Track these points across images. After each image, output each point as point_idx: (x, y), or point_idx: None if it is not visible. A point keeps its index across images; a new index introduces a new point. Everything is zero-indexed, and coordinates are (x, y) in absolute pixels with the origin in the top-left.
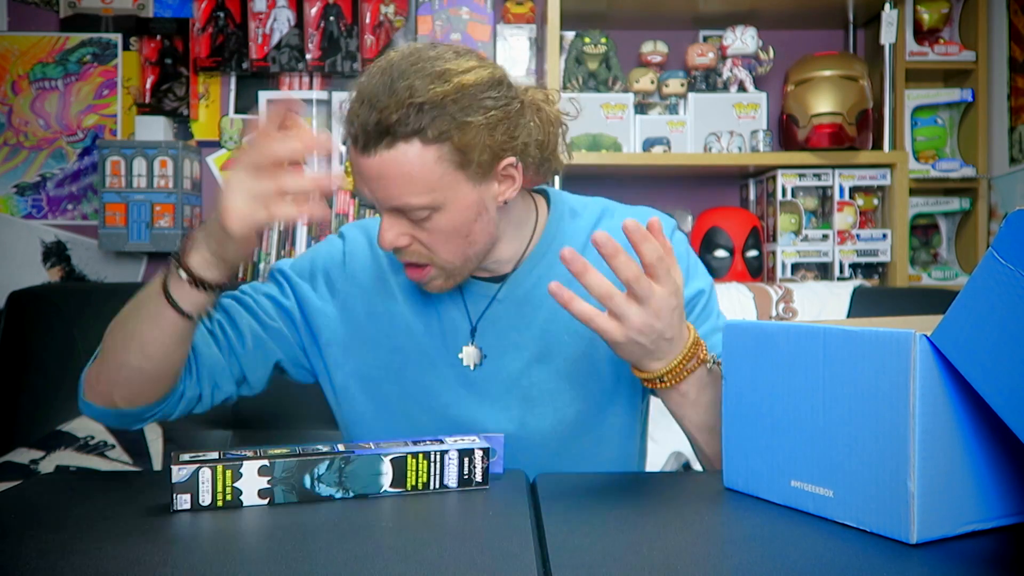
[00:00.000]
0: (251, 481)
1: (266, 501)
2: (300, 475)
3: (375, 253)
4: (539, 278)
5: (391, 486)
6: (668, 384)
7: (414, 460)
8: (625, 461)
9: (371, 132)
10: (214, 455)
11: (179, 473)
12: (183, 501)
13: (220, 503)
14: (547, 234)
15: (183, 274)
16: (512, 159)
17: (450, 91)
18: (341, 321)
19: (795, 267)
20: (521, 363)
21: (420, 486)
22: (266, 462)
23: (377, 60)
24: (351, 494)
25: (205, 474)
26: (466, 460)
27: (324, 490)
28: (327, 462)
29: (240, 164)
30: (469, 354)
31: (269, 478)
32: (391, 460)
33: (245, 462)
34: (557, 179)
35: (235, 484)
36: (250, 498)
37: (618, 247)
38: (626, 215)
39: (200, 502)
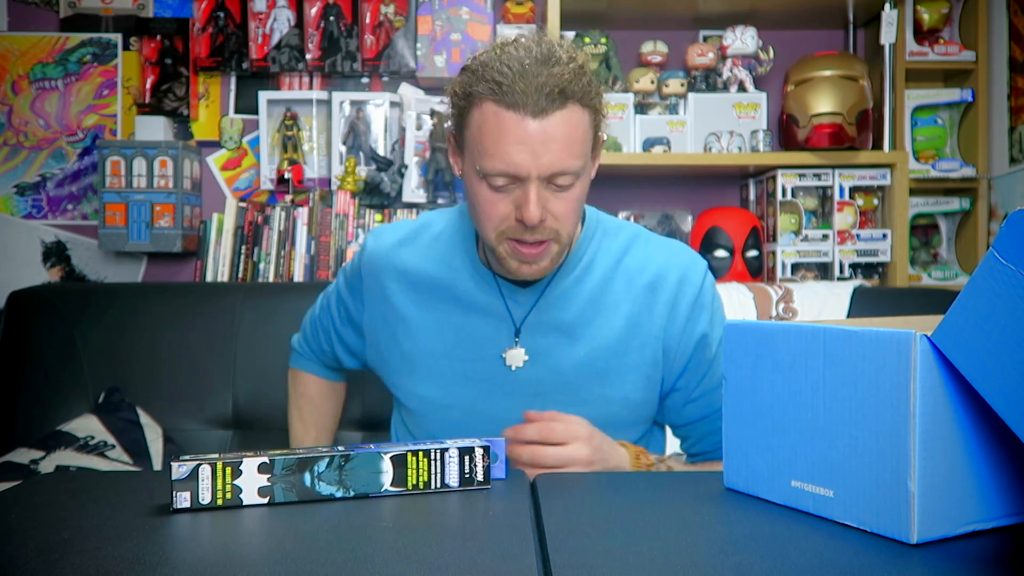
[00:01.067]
0: (251, 479)
1: (266, 500)
2: (300, 473)
3: (410, 271)
4: (567, 288)
5: (392, 485)
6: None
7: (414, 458)
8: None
9: (547, 93)
10: (215, 455)
11: (179, 470)
12: (183, 499)
13: (220, 501)
14: (579, 249)
15: None
16: (602, 134)
17: (582, 57)
18: (370, 324)
19: (795, 267)
20: (546, 367)
21: (421, 485)
22: (266, 459)
23: (489, 48)
24: (351, 493)
25: (205, 471)
26: (467, 459)
27: (324, 488)
28: (327, 460)
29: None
30: (513, 356)
31: (269, 476)
32: (391, 458)
33: (245, 459)
34: None
35: (235, 482)
36: (250, 496)
37: (516, 426)
38: (657, 247)
39: (200, 500)
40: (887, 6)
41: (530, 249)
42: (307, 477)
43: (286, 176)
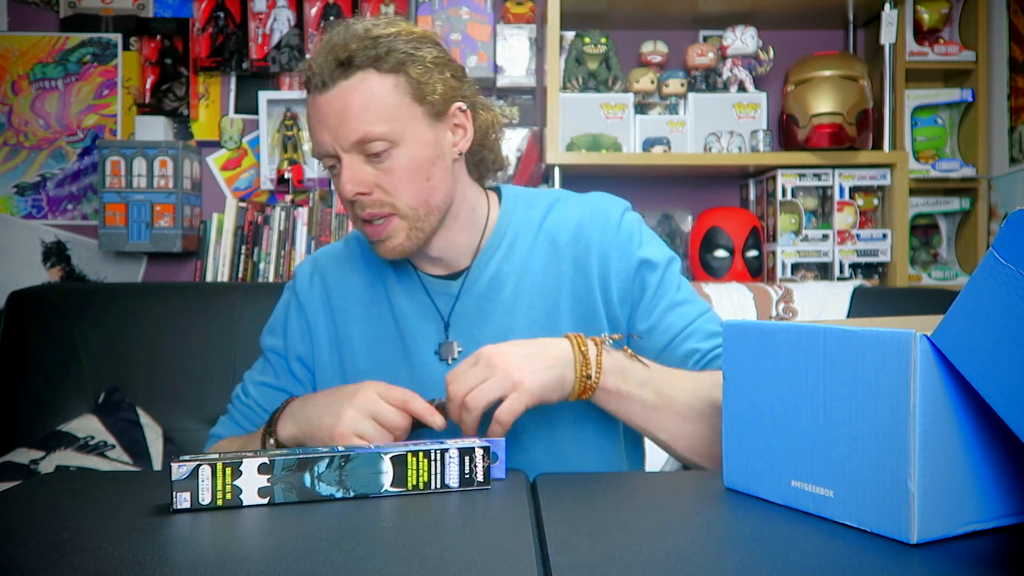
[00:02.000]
0: (251, 479)
1: (266, 500)
2: (300, 473)
3: (330, 281)
4: (495, 271)
5: (392, 485)
6: (596, 380)
7: (414, 459)
8: (608, 446)
9: (329, 68)
10: (215, 455)
11: (179, 471)
12: (183, 500)
13: (220, 502)
14: (499, 226)
15: (272, 442)
16: (462, 104)
17: (401, 31)
18: (316, 358)
19: (795, 267)
20: None
21: (421, 485)
22: (266, 460)
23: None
24: (351, 494)
25: (205, 472)
26: (467, 459)
27: (324, 489)
28: (327, 460)
29: (369, 410)
30: (447, 350)
31: (269, 476)
32: (391, 459)
33: (245, 460)
34: (557, 178)
35: (235, 482)
36: (250, 497)
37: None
38: (578, 203)
39: (200, 500)
40: (887, 6)
41: (371, 226)
42: (307, 477)
43: (286, 176)
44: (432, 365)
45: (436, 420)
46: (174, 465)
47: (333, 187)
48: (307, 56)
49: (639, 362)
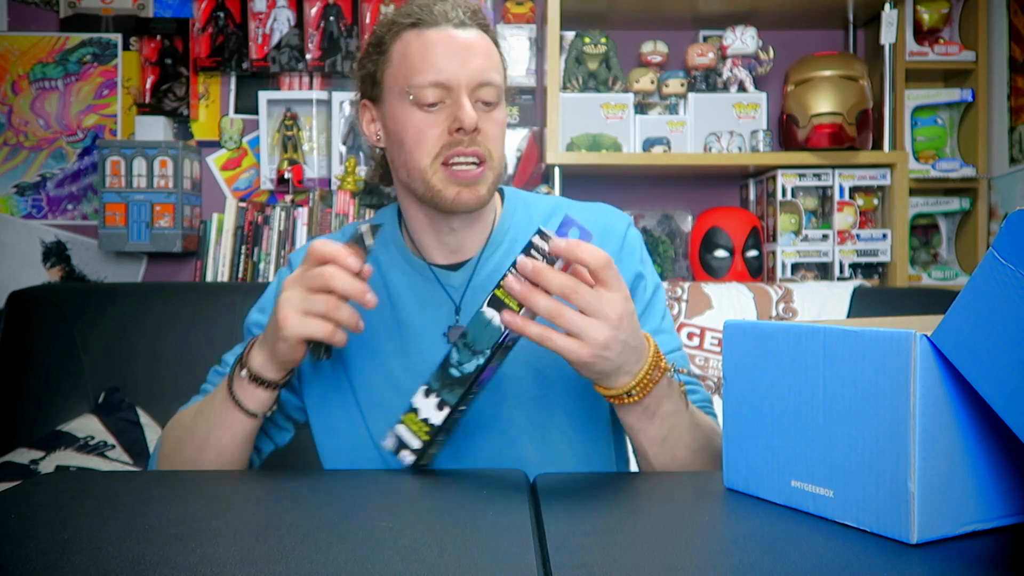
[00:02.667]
0: (427, 407)
1: (447, 411)
2: (447, 371)
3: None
4: (495, 266)
5: (504, 325)
6: (637, 398)
7: (502, 291)
8: (600, 447)
9: (464, 11)
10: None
11: (389, 443)
12: (406, 457)
13: (426, 437)
14: (503, 223)
15: (244, 373)
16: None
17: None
18: None
19: (795, 267)
20: None
21: (517, 307)
22: (424, 386)
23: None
24: (488, 352)
25: (402, 429)
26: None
27: (470, 366)
28: (454, 349)
29: (299, 283)
30: (456, 332)
31: (434, 394)
32: (489, 305)
33: (414, 399)
34: (558, 178)
35: (421, 418)
36: (437, 417)
37: (538, 265)
38: (582, 210)
39: (412, 446)
40: (887, 6)
41: (466, 169)
42: (453, 371)
43: (286, 176)
44: (437, 351)
45: (369, 300)
46: (386, 442)
47: (409, 127)
48: (389, 12)
49: (683, 399)
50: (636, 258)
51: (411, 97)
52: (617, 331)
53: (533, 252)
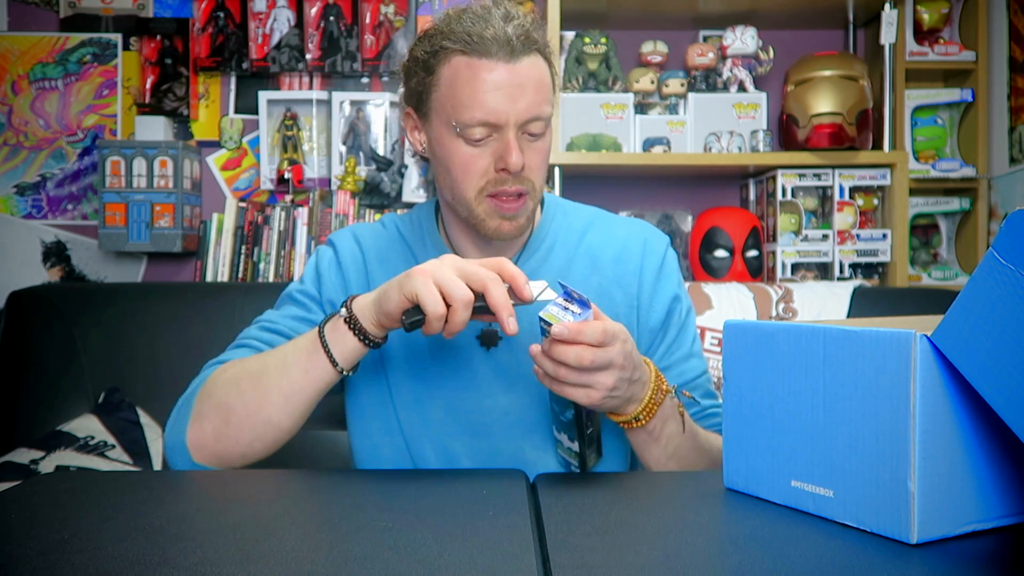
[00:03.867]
0: (564, 440)
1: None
2: (559, 420)
3: (369, 255)
4: (532, 270)
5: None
6: (643, 422)
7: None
8: (620, 452)
9: (517, 40)
10: None
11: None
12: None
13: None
14: (541, 229)
15: (343, 311)
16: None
17: (538, 20)
18: None
19: (795, 267)
20: (522, 350)
21: None
22: (554, 427)
23: (443, 15)
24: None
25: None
26: None
27: (570, 412)
28: (552, 402)
29: (456, 264)
30: (488, 336)
31: (563, 433)
32: None
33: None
34: (557, 178)
35: (567, 448)
36: (573, 445)
37: (554, 345)
38: (621, 225)
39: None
40: (887, 6)
41: (511, 203)
42: (563, 418)
43: (286, 176)
44: (469, 351)
45: (510, 325)
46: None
47: (453, 158)
48: (440, 25)
49: (682, 420)
50: (675, 281)
51: (458, 130)
52: (621, 373)
53: (543, 324)
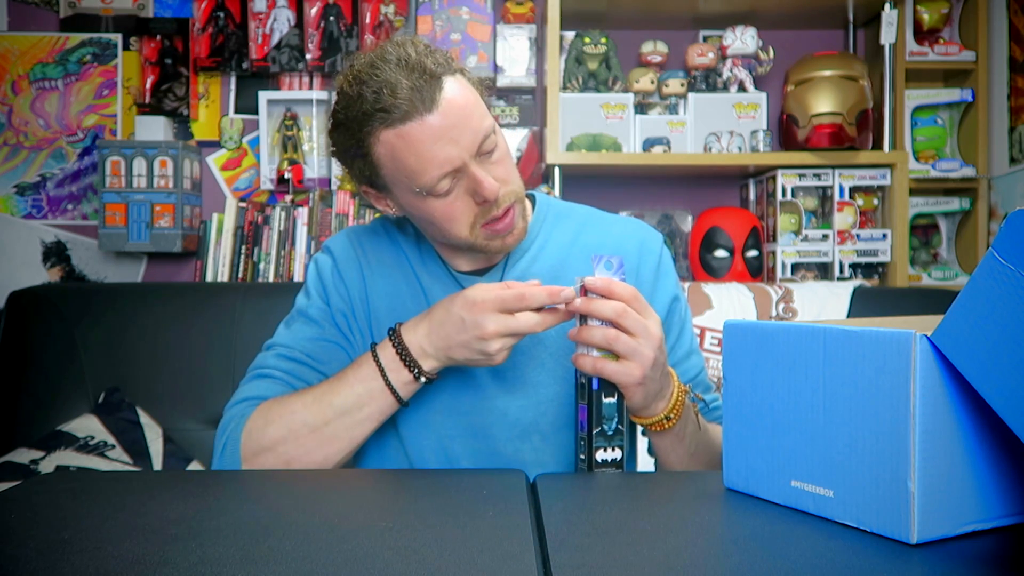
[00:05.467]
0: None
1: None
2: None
3: (364, 259)
4: (522, 271)
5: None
6: (673, 422)
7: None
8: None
9: (422, 87)
10: None
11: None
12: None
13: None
14: (532, 229)
15: (421, 377)
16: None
17: (418, 41)
18: (347, 322)
19: (795, 267)
20: (516, 350)
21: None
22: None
23: (339, 91)
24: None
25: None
26: None
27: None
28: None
29: (497, 304)
30: None
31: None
32: None
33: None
34: (558, 178)
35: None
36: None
37: (594, 295)
38: (616, 223)
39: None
40: (887, 6)
41: (503, 222)
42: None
43: (286, 176)
44: None
45: (566, 292)
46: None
47: (434, 217)
48: (344, 105)
49: (698, 420)
50: (672, 280)
51: (424, 193)
52: (659, 352)
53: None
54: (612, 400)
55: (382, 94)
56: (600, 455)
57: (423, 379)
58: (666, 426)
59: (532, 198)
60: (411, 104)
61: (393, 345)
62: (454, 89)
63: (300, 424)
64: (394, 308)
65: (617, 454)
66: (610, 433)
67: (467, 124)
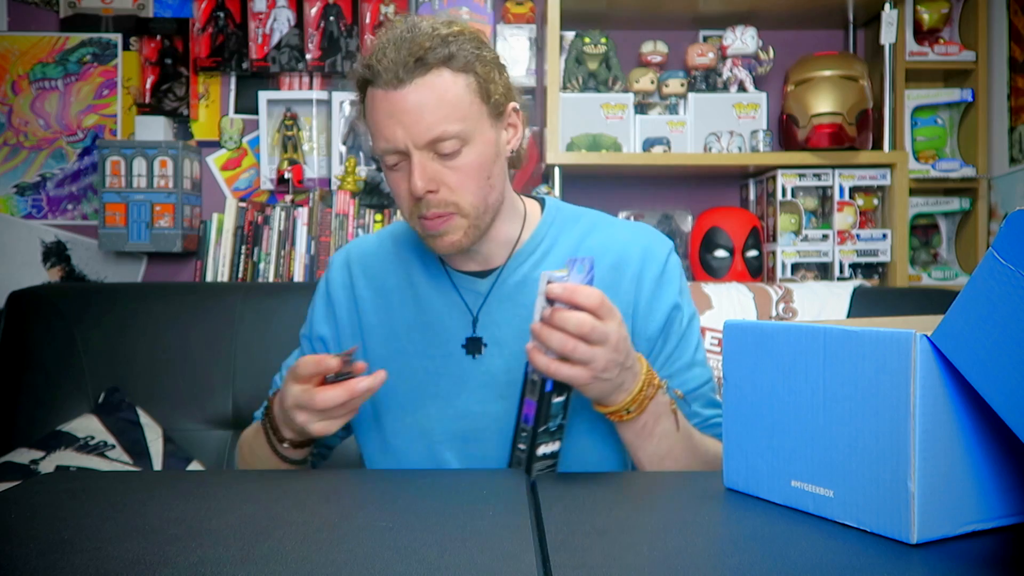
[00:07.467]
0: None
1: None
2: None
3: (356, 280)
4: (525, 274)
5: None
6: (633, 415)
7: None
8: (618, 451)
9: (404, 64)
10: None
11: None
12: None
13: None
14: (538, 232)
15: (286, 450)
16: (515, 104)
17: (464, 30)
18: (337, 346)
19: (795, 267)
20: (512, 355)
21: None
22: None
23: (380, 30)
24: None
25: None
26: None
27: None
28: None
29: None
30: (473, 345)
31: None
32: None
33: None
34: (558, 178)
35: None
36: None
37: (558, 308)
38: (624, 229)
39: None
40: (887, 6)
41: (431, 221)
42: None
43: (286, 176)
44: (458, 358)
45: (330, 362)
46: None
47: (387, 182)
48: (359, 55)
49: (675, 418)
50: (675, 288)
51: (378, 157)
52: (615, 355)
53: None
54: (561, 399)
55: (374, 55)
56: (541, 449)
57: (292, 446)
58: (624, 418)
59: (542, 202)
60: (385, 74)
61: (265, 414)
62: (433, 82)
63: (241, 450)
64: (386, 323)
65: (556, 446)
66: (553, 429)
67: (426, 116)
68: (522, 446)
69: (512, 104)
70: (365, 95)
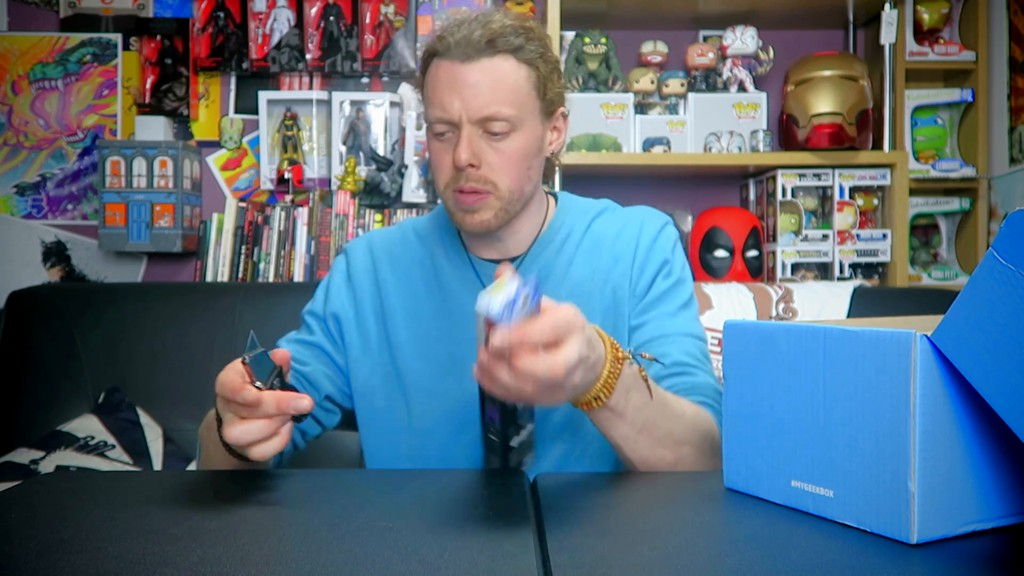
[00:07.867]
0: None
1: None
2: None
3: (380, 264)
4: (545, 262)
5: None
6: (603, 401)
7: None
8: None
9: (476, 42)
10: None
11: None
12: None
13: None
14: (555, 222)
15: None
16: (565, 110)
17: (535, 28)
18: (358, 326)
19: (795, 267)
20: None
21: None
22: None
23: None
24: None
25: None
26: None
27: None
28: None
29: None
30: None
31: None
32: None
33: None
34: (557, 178)
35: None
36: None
37: (532, 361)
38: (625, 211)
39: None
40: (887, 6)
41: (466, 196)
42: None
43: (286, 176)
44: (470, 343)
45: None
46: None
47: (429, 150)
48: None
49: (646, 386)
50: (668, 248)
51: (428, 126)
52: (584, 366)
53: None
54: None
55: (450, 29)
56: (514, 441)
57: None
58: (595, 405)
59: (555, 196)
60: (456, 48)
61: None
62: (498, 65)
63: (201, 433)
64: (410, 309)
65: (529, 428)
66: (521, 421)
67: (485, 94)
68: (492, 436)
69: (562, 109)
70: (428, 66)
